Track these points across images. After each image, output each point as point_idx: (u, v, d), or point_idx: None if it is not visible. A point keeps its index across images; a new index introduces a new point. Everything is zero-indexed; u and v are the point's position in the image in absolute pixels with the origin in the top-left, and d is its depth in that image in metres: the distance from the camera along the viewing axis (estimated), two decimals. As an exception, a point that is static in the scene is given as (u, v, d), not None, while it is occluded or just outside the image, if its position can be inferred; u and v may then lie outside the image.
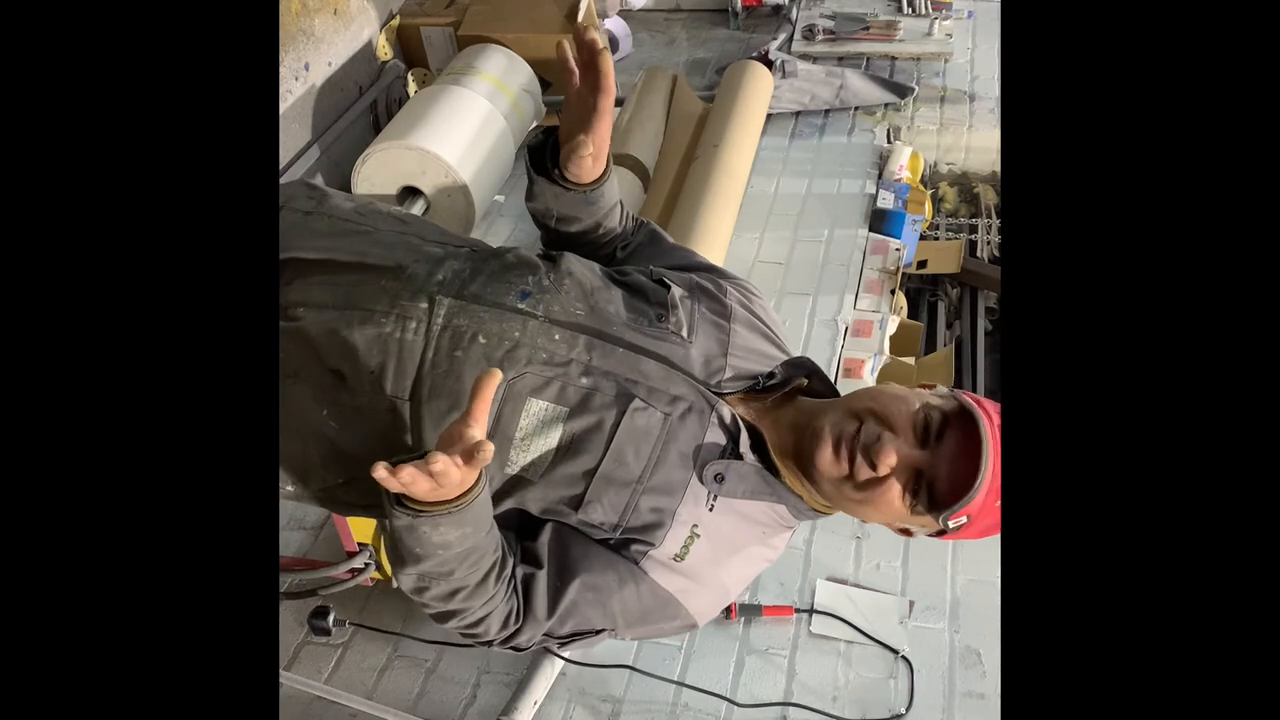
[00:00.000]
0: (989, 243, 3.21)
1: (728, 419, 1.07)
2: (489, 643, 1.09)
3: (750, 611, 1.95)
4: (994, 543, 2.06)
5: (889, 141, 3.37)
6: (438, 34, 3.49)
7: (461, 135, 2.83)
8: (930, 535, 1.09)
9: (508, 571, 1.04)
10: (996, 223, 3.26)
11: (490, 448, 0.89)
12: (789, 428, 1.09)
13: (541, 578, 1.06)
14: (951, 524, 1.01)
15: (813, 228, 3.01)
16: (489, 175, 2.91)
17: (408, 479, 0.87)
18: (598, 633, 1.09)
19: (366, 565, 1.90)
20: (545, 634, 1.08)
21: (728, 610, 1.93)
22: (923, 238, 3.11)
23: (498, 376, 0.94)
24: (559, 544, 1.07)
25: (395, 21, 3.53)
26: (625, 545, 1.06)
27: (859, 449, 1.02)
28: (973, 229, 3.27)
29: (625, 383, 1.05)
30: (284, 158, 2.97)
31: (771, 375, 1.12)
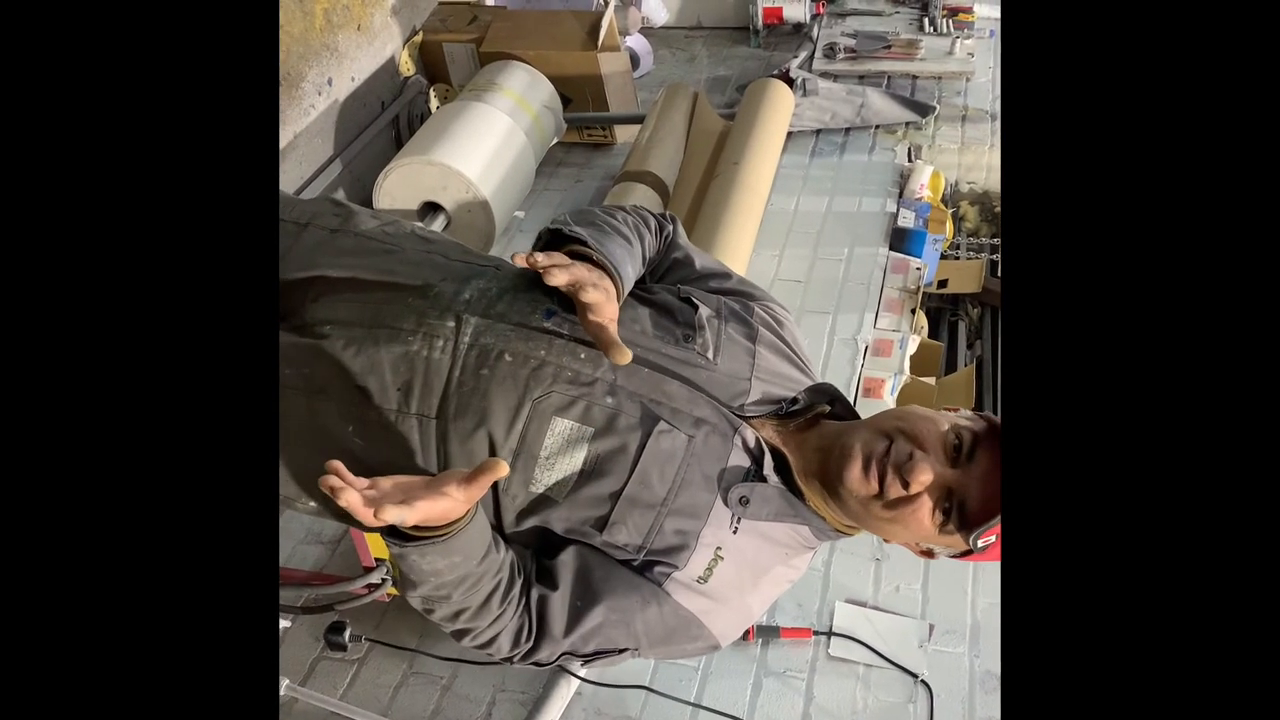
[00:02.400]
0: (1010, 262, 3.19)
1: (751, 442, 1.08)
2: (508, 659, 1.09)
3: (768, 633, 1.94)
4: (1016, 567, 2.03)
5: (910, 160, 3.36)
6: (460, 50, 3.51)
7: (483, 151, 2.84)
8: (953, 556, 1.09)
9: (514, 592, 1.04)
10: (1018, 242, 3.23)
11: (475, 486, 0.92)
12: (814, 450, 1.09)
13: (557, 598, 1.05)
14: (980, 544, 1.01)
15: (833, 246, 3.00)
16: (510, 191, 2.92)
17: (354, 500, 0.88)
18: (621, 651, 1.09)
19: (383, 581, 1.89)
20: (567, 652, 1.08)
21: (745, 631, 1.92)
22: (944, 257, 3.10)
23: (504, 470, 0.94)
24: (582, 565, 1.07)
25: (418, 38, 3.55)
26: (649, 567, 1.06)
27: (890, 467, 1.02)
28: (994, 249, 3.26)
29: (650, 404, 1.05)
30: (306, 172, 2.99)
31: (795, 401, 1.12)
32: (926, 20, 3.98)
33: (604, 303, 1.01)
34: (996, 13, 4.15)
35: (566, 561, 1.07)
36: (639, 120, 3.32)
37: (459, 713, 1.90)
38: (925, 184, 3.17)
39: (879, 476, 1.02)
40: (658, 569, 1.05)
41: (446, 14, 3.64)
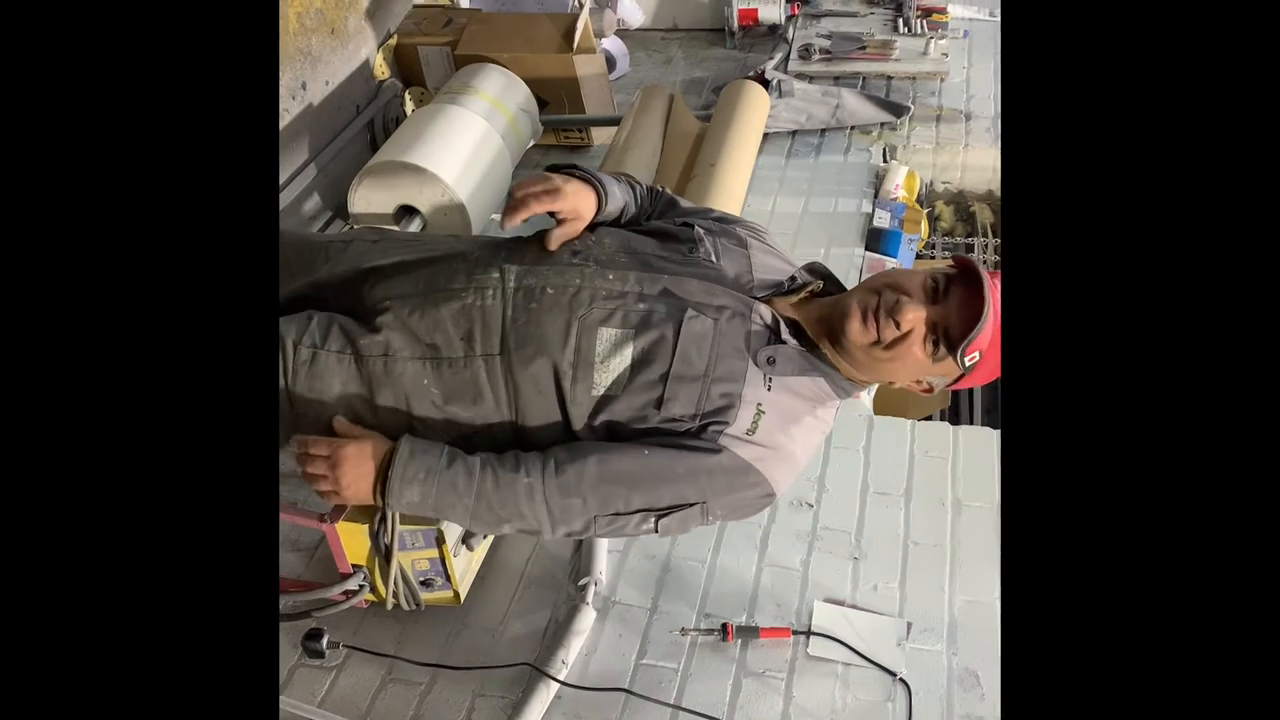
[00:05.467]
0: (985, 261, 3.21)
1: (767, 317, 1.30)
2: (550, 513, 1.27)
3: (747, 633, 1.94)
4: (991, 563, 2.04)
5: (885, 160, 3.38)
6: (435, 53, 3.50)
7: (458, 154, 2.83)
8: (949, 386, 1.31)
9: (524, 460, 1.25)
10: (993, 241, 3.26)
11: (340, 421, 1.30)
12: (818, 319, 1.31)
13: (591, 449, 1.25)
14: (967, 360, 1.21)
15: (809, 246, 3.01)
16: (486, 194, 2.91)
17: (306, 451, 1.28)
18: (691, 506, 1.26)
19: (360, 587, 1.88)
20: (643, 508, 1.26)
21: (725, 631, 1.92)
22: (919, 256, 3.11)
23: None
24: (628, 438, 1.27)
25: (393, 41, 3.54)
26: (704, 430, 1.25)
27: (883, 314, 1.23)
28: (969, 248, 3.27)
29: (675, 300, 1.27)
30: (281, 176, 2.97)
31: (793, 279, 1.36)
32: (901, 21, 4.00)
33: (548, 193, 1.28)
34: (970, 13, 4.18)
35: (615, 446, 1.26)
36: (615, 122, 3.32)
37: (439, 717, 1.89)
38: (900, 184, 3.18)
39: (875, 324, 1.23)
40: (712, 429, 1.25)
41: (421, 17, 3.63)
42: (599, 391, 1.25)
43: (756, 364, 1.27)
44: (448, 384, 1.28)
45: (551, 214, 1.33)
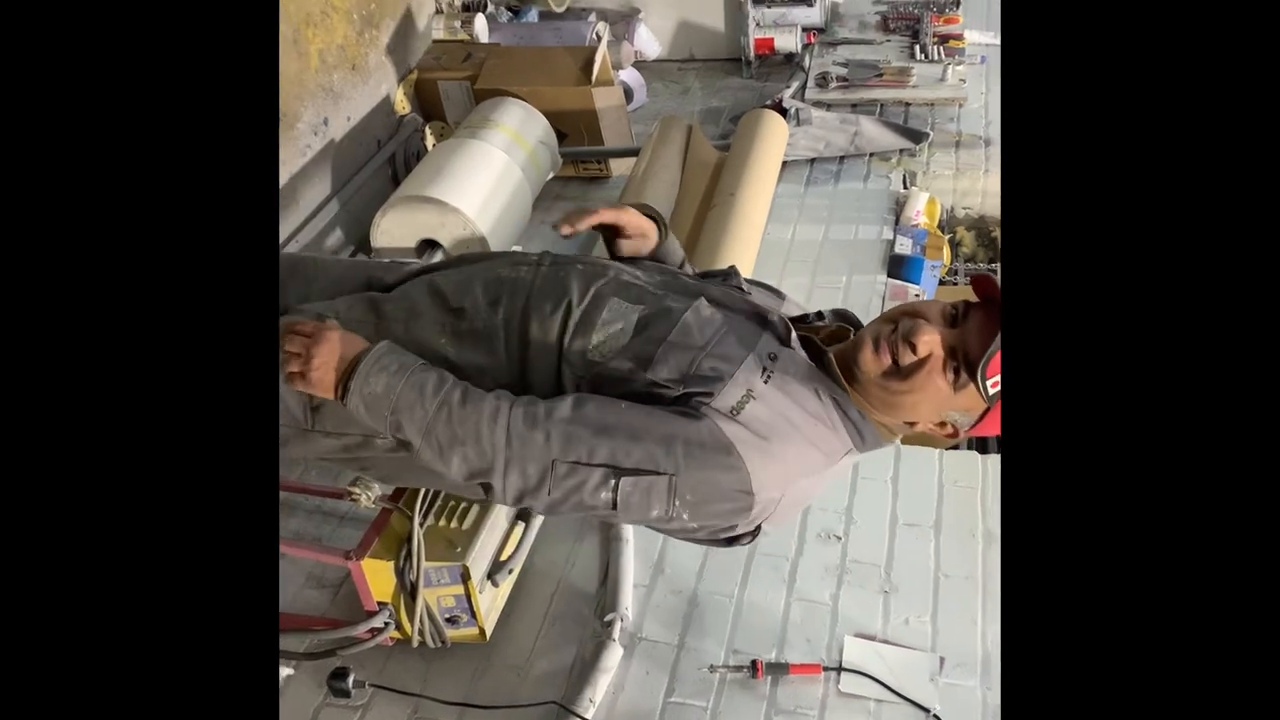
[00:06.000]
0: (1009, 287, 3.18)
1: (780, 327, 1.27)
2: (508, 454, 1.18)
3: (777, 670, 1.91)
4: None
5: (905, 187, 3.37)
6: (455, 88, 3.52)
7: (479, 187, 2.84)
8: (972, 429, 1.23)
9: (490, 395, 1.21)
10: (1016, 267, 3.23)
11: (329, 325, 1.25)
12: (839, 354, 1.26)
13: (568, 398, 1.21)
14: (990, 387, 1.14)
15: (830, 274, 3.00)
16: (507, 227, 2.92)
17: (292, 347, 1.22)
18: (659, 474, 1.16)
19: (386, 625, 1.87)
20: (607, 463, 1.16)
21: (754, 668, 1.89)
22: (941, 282, 3.09)
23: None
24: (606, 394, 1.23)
25: (413, 76, 3.57)
26: (687, 399, 1.19)
27: (900, 339, 1.18)
28: (992, 273, 3.25)
29: (693, 295, 1.28)
30: (304, 212, 2.99)
31: (820, 315, 1.37)
32: (918, 48, 4.01)
33: (615, 209, 1.37)
34: (987, 39, 4.18)
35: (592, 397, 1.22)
36: (634, 153, 3.33)
37: (465, 758, 1.87)
38: (921, 210, 3.17)
39: (890, 352, 1.19)
40: (695, 399, 1.18)
41: (441, 52, 3.66)
42: (595, 356, 1.24)
43: (757, 354, 1.22)
44: (463, 342, 1.29)
45: (616, 233, 1.40)
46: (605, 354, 1.23)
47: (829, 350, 1.27)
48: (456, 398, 1.19)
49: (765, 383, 1.19)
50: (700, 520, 1.21)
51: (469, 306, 1.30)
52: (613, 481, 1.16)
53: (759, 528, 1.26)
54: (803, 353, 1.26)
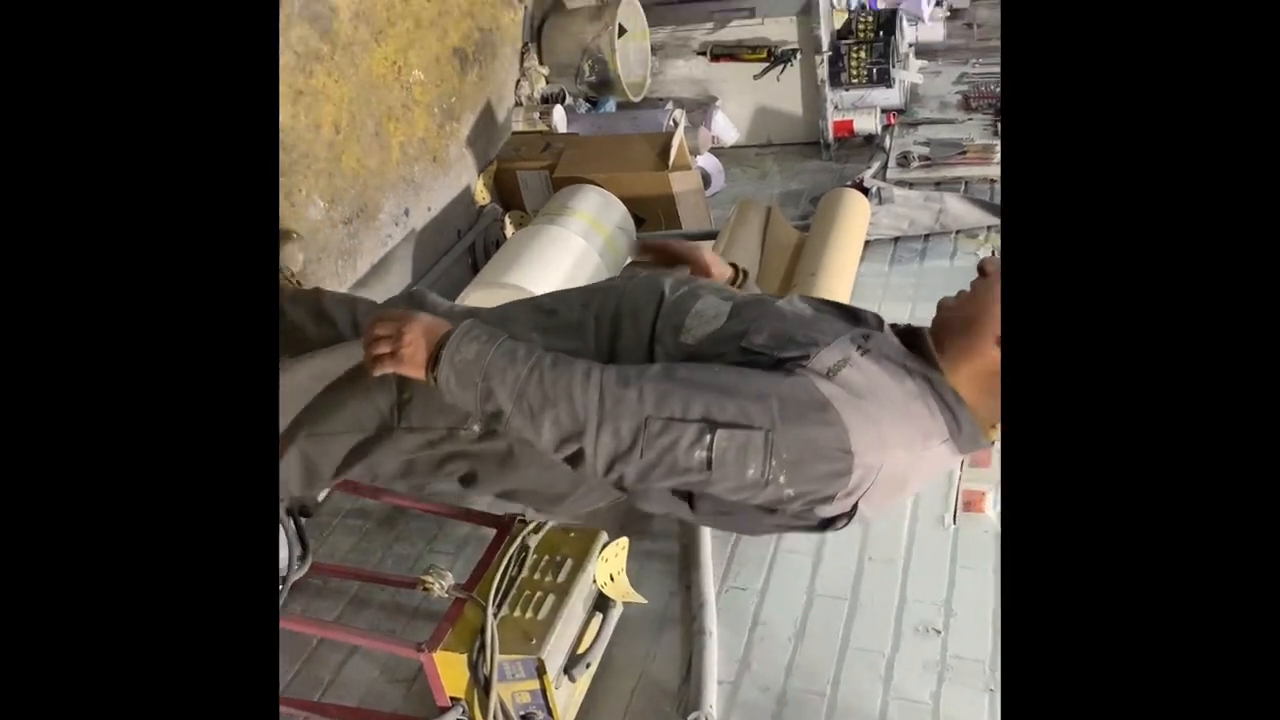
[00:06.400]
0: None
1: (872, 319, 1.30)
2: (602, 408, 1.17)
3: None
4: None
5: (994, 263, 3.26)
6: (534, 177, 3.57)
7: (557, 272, 2.83)
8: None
9: (581, 361, 1.22)
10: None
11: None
12: (957, 318, 1.26)
13: (649, 366, 1.23)
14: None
15: (919, 354, 2.89)
16: (584, 311, 2.90)
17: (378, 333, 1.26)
18: (754, 429, 1.13)
19: (459, 721, 1.79)
20: (703, 417, 1.13)
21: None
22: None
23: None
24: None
25: (493, 167, 3.63)
26: (781, 364, 1.18)
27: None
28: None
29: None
30: (384, 297, 3.01)
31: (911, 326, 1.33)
32: (999, 125, 3.93)
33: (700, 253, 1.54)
34: (1072, 114, 4.09)
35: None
36: (712, 236, 3.30)
37: None
38: (1012, 286, 3.05)
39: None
40: (789, 363, 1.18)
41: (520, 143, 3.72)
42: (688, 339, 1.27)
43: (850, 334, 1.23)
44: (551, 335, 1.34)
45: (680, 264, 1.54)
46: (698, 338, 1.26)
47: (923, 329, 1.27)
48: (548, 361, 1.20)
49: (861, 355, 1.19)
50: (797, 486, 1.15)
51: (561, 308, 1.39)
52: (708, 437, 1.13)
53: (855, 508, 1.18)
54: (895, 339, 1.27)
